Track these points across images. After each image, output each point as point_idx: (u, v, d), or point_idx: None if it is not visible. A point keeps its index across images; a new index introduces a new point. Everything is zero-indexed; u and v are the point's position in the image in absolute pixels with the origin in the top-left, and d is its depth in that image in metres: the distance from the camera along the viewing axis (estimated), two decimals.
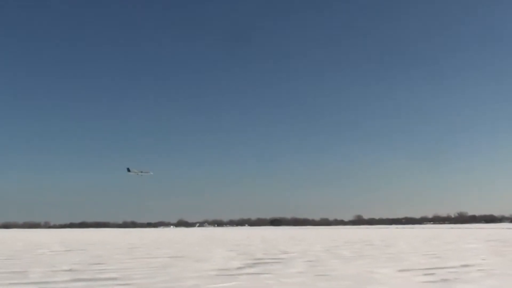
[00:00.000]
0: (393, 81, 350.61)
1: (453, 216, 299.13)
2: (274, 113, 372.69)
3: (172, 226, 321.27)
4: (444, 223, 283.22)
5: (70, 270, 23.68)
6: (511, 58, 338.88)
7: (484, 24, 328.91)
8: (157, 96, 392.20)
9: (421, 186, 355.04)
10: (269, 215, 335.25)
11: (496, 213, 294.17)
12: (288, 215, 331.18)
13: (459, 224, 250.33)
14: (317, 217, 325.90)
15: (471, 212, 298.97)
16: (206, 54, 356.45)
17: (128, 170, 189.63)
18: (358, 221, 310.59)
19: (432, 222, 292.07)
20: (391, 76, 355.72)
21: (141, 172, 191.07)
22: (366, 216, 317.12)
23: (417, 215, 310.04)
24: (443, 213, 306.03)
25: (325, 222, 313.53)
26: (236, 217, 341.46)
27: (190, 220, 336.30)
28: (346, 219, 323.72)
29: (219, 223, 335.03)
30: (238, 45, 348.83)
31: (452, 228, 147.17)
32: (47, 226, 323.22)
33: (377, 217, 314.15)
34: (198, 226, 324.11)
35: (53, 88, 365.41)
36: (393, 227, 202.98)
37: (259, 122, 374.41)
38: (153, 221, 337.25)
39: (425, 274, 19.95)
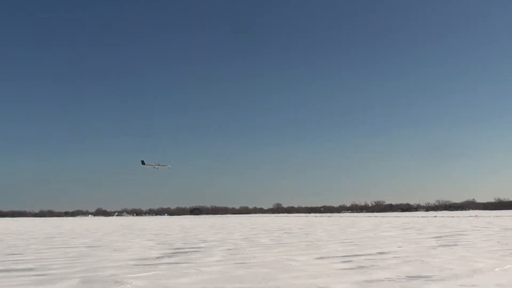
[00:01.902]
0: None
1: (370, 205, 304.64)
2: (188, 103, 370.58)
3: (90, 215, 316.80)
4: (361, 211, 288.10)
5: None
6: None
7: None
8: None
9: (339, 175, 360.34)
10: (188, 204, 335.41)
11: (412, 202, 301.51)
12: (208, 204, 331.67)
13: (376, 212, 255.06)
14: (236, 206, 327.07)
15: (388, 201, 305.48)
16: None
17: (143, 163, 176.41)
18: (277, 209, 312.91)
19: (350, 211, 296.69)
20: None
21: (158, 165, 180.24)
22: (285, 205, 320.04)
23: (336, 204, 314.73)
24: (360, 202, 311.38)
25: (244, 211, 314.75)
26: (155, 206, 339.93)
27: (108, 209, 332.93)
28: (265, 207, 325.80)
29: (138, 212, 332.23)
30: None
31: (369, 216, 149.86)
32: None
33: (296, 205, 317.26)
34: (117, 215, 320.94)
35: None
36: (312, 215, 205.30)
37: (176, 112, 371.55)
38: (70, 210, 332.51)
39: (343, 262, 20.22)
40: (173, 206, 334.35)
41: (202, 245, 31.82)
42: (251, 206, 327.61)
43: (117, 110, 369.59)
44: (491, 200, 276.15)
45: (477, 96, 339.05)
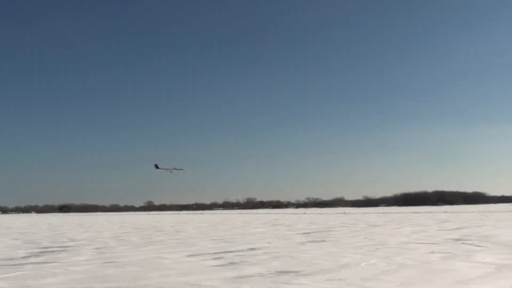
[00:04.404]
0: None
1: (242, 202, 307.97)
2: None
3: None
4: (233, 208, 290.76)
5: None
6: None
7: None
8: None
9: (211, 172, 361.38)
10: (57, 202, 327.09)
11: (283, 199, 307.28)
12: (77, 201, 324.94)
13: (248, 209, 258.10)
14: (107, 203, 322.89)
15: (259, 198, 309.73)
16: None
17: (157, 166, 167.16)
18: (149, 207, 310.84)
19: (222, 208, 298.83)
20: None
21: (174, 168, 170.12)
22: (156, 202, 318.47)
23: (207, 201, 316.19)
24: (232, 198, 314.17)
25: (115, 208, 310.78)
26: (22, 203, 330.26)
27: None
28: (136, 205, 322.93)
29: (4, 210, 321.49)
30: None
31: (240, 213, 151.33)
32: None
33: (168, 203, 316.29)
34: None
35: None
36: (183, 212, 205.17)
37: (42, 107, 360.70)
38: None
39: (214, 258, 20.29)
40: (41, 204, 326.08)
41: (71, 244, 31.19)
42: (121, 204, 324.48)
43: None
44: (359, 198, 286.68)
45: (348, 98, 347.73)
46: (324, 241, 28.93)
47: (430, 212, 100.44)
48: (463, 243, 25.78)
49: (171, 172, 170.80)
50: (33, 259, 21.81)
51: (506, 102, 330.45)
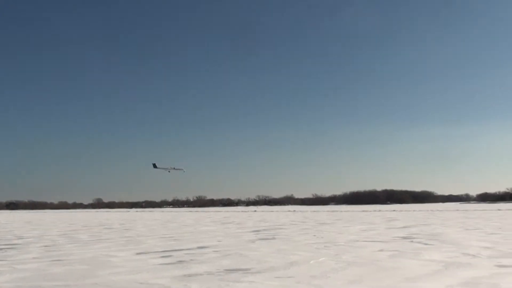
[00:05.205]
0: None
1: (192, 199, 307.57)
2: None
3: None
4: (183, 206, 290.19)
5: None
6: None
7: None
8: None
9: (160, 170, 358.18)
10: (4, 198, 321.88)
11: (233, 197, 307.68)
12: (25, 198, 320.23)
13: (198, 207, 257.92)
14: (55, 200, 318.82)
15: (209, 196, 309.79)
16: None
17: (155, 166, 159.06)
18: (98, 204, 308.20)
19: (171, 206, 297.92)
20: None
21: (173, 168, 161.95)
22: (106, 200, 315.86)
23: (157, 199, 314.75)
24: (182, 197, 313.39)
25: (64, 206, 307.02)
26: None
27: None
28: (85, 202, 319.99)
29: None
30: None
31: (190, 211, 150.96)
32: None
33: (117, 200, 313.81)
34: None
35: None
36: (133, 210, 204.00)
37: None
38: None
39: (162, 257, 20.21)
40: None
41: (18, 241, 30.76)
42: (70, 201, 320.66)
43: None
44: (309, 196, 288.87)
45: (300, 98, 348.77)
46: (274, 238, 29.04)
47: (379, 211, 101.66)
48: (411, 241, 26.14)
49: (169, 171, 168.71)
50: None
51: (451, 102, 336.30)
